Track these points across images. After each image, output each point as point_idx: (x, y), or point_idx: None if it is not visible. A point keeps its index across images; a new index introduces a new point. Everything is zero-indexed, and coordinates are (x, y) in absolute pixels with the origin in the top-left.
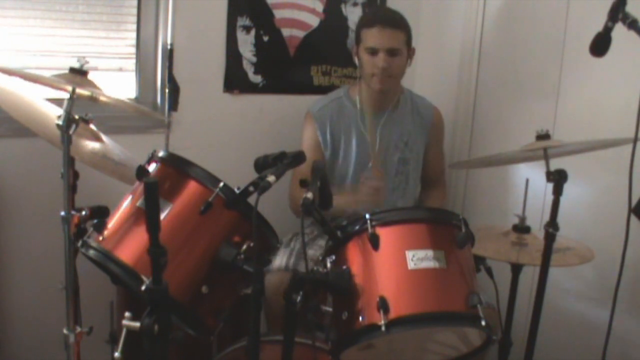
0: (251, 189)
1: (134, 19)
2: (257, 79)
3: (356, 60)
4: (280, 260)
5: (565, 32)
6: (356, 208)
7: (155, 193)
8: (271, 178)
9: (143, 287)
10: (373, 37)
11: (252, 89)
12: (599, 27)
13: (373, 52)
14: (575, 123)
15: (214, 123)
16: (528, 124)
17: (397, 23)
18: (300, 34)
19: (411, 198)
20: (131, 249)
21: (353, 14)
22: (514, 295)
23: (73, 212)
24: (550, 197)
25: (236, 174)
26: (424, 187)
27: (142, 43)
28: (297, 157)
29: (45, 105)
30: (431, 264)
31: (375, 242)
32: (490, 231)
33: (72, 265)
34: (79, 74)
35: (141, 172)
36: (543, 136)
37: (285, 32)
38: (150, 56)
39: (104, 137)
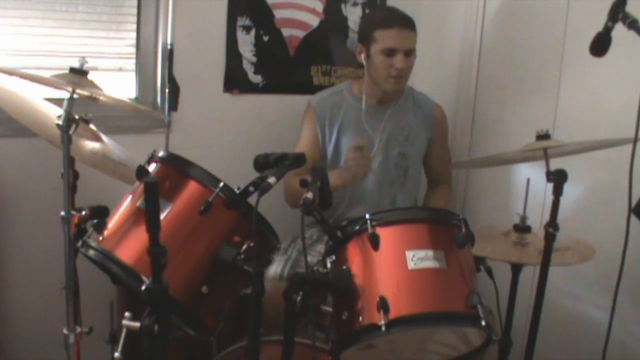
0: (251, 189)
1: (134, 19)
2: (257, 79)
3: (362, 60)
4: (275, 268)
5: (565, 32)
6: (345, 180)
7: (155, 193)
8: (272, 179)
9: (143, 287)
10: (392, 38)
11: (252, 89)
12: (599, 27)
13: (390, 53)
14: (575, 123)
15: (214, 123)
16: (528, 124)
17: (413, 24)
18: (300, 34)
19: (411, 194)
20: (131, 249)
21: (353, 14)
22: (514, 295)
23: (73, 212)
24: (550, 197)
25: (236, 174)
26: (430, 185)
27: (142, 43)
28: (298, 159)
29: (45, 105)
30: (431, 264)
31: (375, 242)
32: (491, 231)
33: (72, 265)
34: (79, 74)
35: (141, 172)
36: (543, 136)
37: (285, 32)
38: (150, 56)
39: (104, 137)
